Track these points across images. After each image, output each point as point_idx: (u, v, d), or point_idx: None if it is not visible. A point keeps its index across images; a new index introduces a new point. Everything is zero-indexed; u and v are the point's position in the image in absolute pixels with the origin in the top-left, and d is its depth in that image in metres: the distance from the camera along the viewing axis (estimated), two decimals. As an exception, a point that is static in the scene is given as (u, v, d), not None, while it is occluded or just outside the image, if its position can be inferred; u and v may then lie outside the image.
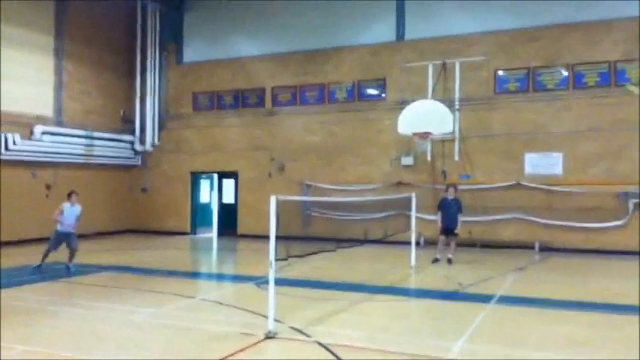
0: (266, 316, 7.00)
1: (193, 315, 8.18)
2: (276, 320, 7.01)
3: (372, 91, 18.34)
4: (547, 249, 15.58)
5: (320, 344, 6.50)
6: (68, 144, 18.49)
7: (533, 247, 15.66)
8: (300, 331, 7.05)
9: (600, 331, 7.25)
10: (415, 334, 7.20)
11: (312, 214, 18.34)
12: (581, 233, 15.44)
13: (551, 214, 15.71)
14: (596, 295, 9.56)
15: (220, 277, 13.12)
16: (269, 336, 6.75)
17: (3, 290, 9.52)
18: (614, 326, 7.56)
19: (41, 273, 11.61)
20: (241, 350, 6.28)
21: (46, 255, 12.00)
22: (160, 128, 21.35)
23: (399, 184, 17.28)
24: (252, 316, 7.88)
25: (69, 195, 12.39)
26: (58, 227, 12.08)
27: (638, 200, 14.88)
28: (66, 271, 11.78)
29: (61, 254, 12.17)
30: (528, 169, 16.18)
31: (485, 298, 9.16)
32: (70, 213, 12.12)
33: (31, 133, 17.35)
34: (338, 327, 7.43)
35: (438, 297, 9.65)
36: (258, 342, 6.60)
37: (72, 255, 12.12)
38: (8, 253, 14.48)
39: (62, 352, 6.20)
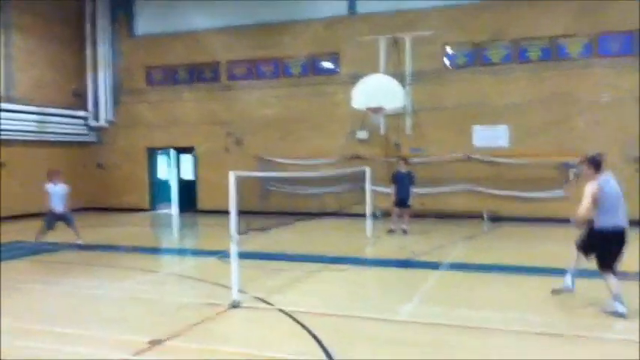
0: (229, 288, 7.39)
1: (159, 288, 8.52)
2: (239, 291, 7.42)
3: (326, 65, 18.64)
4: (496, 219, 16.38)
5: (282, 311, 6.96)
6: (19, 120, 18.18)
7: (482, 217, 16.48)
8: (263, 300, 7.50)
9: (540, 292, 7.93)
10: (369, 299, 7.77)
11: (271, 188, 18.70)
12: (526, 203, 16.32)
13: (499, 185, 16.53)
14: (538, 260, 10.31)
15: (183, 251, 13.39)
16: (234, 305, 7.16)
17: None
18: (546, 285, 8.29)
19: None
20: (208, 319, 6.69)
21: (42, 232, 12.15)
22: (115, 103, 21.14)
23: (355, 157, 17.72)
24: (216, 287, 8.27)
25: (48, 175, 12.34)
26: (51, 207, 12.11)
27: (579, 171, 15.80)
28: (78, 248, 12.00)
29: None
30: (476, 141, 16.91)
31: (435, 265, 9.81)
32: (54, 193, 12.10)
33: (-19, 109, 17.01)
34: (298, 295, 7.92)
35: (391, 265, 10.27)
36: (224, 311, 7.02)
37: (75, 232, 12.31)
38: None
39: (30, 325, 6.45)
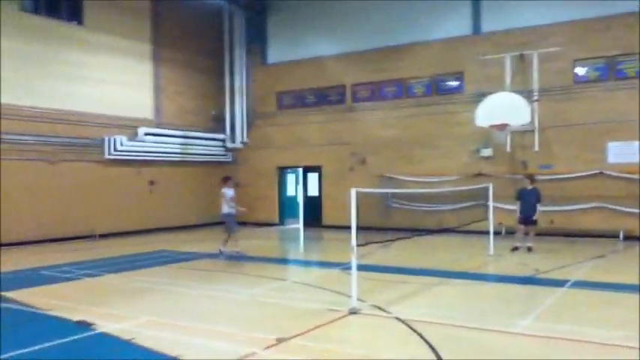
0: (350, 296, 7.89)
1: (286, 295, 9.24)
2: (358, 299, 7.90)
3: (449, 85, 18.77)
4: (632, 237, 15.46)
5: (398, 319, 7.32)
6: (167, 143, 20.29)
7: (617, 237, 15.59)
8: (381, 308, 7.91)
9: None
10: (485, 313, 7.84)
11: (393, 205, 19.08)
12: (667, 222, 15.23)
13: (635, 203, 15.57)
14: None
15: (308, 263, 14.18)
16: (352, 312, 7.64)
17: (124, 273, 11.10)
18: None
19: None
20: (329, 322, 7.22)
21: (226, 238, 13.67)
22: (248, 126, 22.82)
23: (479, 175, 17.61)
24: (337, 295, 8.80)
25: (225, 180, 13.92)
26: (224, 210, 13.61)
27: None
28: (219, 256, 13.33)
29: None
30: (611, 158, 16.07)
31: (559, 283, 9.59)
32: (227, 194, 13.72)
33: (136, 134, 19.22)
34: (415, 306, 8.21)
35: (512, 282, 10.19)
36: (343, 316, 7.52)
37: (226, 238, 13.62)
38: (115, 244, 16.31)
39: (180, 322, 7.39)
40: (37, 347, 6.26)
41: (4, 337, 6.67)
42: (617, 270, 11.28)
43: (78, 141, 17.47)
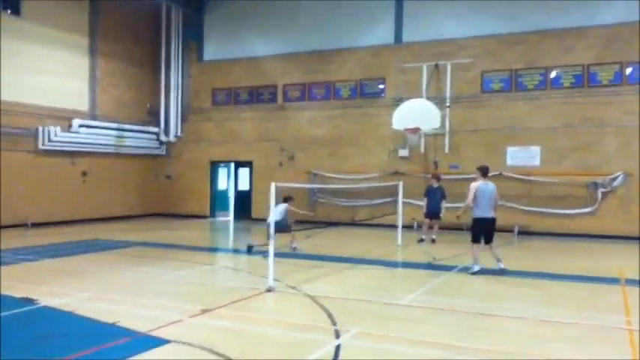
0: (268, 277, 9.15)
1: (213, 276, 10.45)
2: (276, 280, 9.17)
3: (373, 89, 20.32)
4: (525, 232, 17.50)
5: (307, 295, 8.64)
6: (101, 135, 20.82)
7: (512, 231, 17.60)
8: (294, 287, 9.21)
9: (525, 289, 9.24)
10: (380, 290, 9.29)
11: (318, 199, 20.49)
12: (555, 219, 17.36)
13: (530, 202, 17.64)
14: (542, 268, 11.53)
15: (235, 251, 15.26)
16: (269, 290, 8.90)
17: (60, 258, 11.91)
18: (538, 286, 9.58)
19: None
20: (248, 297, 8.46)
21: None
22: (182, 121, 23.62)
23: (396, 173, 19.24)
24: (258, 277, 10.00)
25: (285, 199, 13.73)
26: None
27: (605, 189, 16.74)
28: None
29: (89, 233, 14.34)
30: (510, 160, 18.09)
31: (449, 268, 11.25)
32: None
33: (70, 125, 19.66)
34: (323, 285, 9.58)
35: (411, 267, 11.80)
36: (261, 293, 8.77)
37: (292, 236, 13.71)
38: (49, 233, 16.88)
39: (117, 296, 8.41)
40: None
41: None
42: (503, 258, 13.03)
43: (12, 131, 17.75)
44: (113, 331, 6.67)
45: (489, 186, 11.07)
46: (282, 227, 13.60)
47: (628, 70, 16.76)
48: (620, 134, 16.81)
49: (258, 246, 13.49)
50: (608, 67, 17.03)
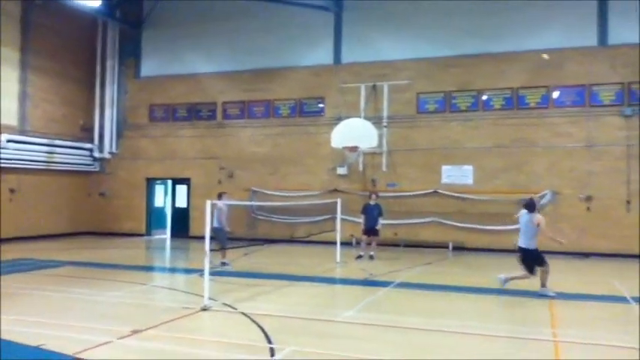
0: (203, 296, 8.99)
1: (145, 296, 10.12)
2: (211, 299, 9.03)
3: (312, 108, 20.51)
4: (460, 248, 18.01)
5: (243, 314, 8.54)
6: (31, 151, 20.01)
7: (447, 247, 18.07)
8: (230, 306, 9.09)
9: (460, 304, 9.48)
10: (318, 307, 9.31)
11: (258, 217, 20.38)
12: (487, 235, 17.94)
13: (464, 219, 18.18)
14: (474, 282, 11.87)
15: (171, 270, 14.95)
16: (204, 309, 8.74)
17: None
18: (470, 300, 9.86)
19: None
20: (182, 317, 8.27)
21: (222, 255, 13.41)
22: (118, 137, 23.04)
23: (335, 190, 19.43)
24: (193, 296, 9.84)
25: (219, 195, 13.63)
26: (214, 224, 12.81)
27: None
28: (221, 266, 13.13)
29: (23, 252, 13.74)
30: (444, 179, 18.62)
31: (385, 284, 11.39)
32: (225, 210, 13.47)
33: (-3, 140, 18.84)
34: (260, 303, 9.49)
35: (349, 284, 11.87)
36: (195, 313, 8.60)
37: (221, 250, 13.31)
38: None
39: (44, 319, 8.04)
40: None
41: None
42: (437, 274, 13.37)
43: None
44: (38, 354, 6.37)
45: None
46: (219, 233, 13.41)
47: (555, 94, 17.67)
48: (548, 154, 17.64)
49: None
50: (535, 90, 17.89)
